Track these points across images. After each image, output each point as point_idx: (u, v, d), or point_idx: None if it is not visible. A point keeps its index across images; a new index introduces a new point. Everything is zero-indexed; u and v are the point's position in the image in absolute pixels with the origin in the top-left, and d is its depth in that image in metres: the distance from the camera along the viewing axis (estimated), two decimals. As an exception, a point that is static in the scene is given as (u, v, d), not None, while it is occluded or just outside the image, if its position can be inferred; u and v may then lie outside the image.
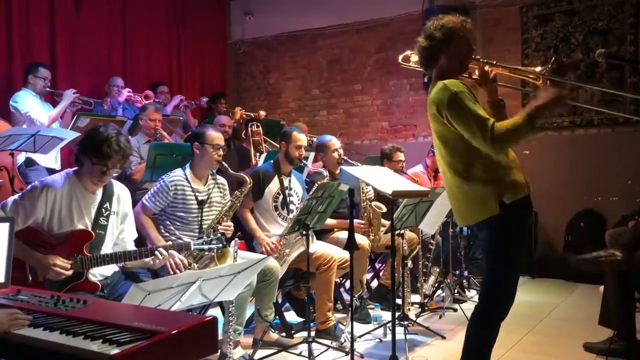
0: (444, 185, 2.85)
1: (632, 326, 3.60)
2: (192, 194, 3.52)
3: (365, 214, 4.62)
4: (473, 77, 2.80)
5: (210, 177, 3.66)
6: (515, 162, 2.71)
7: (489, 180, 2.59)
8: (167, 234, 3.49)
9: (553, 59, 2.77)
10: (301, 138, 4.16)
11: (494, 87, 2.80)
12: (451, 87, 2.57)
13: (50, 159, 5.00)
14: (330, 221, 4.44)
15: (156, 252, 2.83)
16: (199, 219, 3.52)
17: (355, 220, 4.52)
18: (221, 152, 3.61)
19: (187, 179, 3.53)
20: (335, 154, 4.63)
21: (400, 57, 3.02)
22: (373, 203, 4.58)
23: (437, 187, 4.87)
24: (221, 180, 3.75)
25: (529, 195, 2.68)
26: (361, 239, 4.35)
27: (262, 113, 6.51)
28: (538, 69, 2.72)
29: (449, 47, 2.68)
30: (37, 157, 4.77)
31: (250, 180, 3.70)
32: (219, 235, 3.12)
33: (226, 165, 3.63)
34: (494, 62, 2.78)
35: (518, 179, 2.64)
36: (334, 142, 4.71)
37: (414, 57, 2.93)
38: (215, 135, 3.60)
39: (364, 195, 4.62)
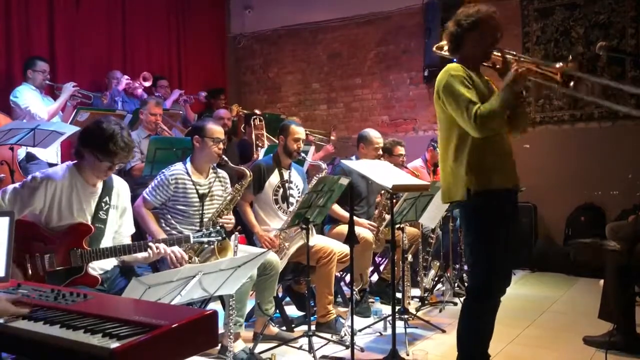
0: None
1: (632, 320, 3.60)
2: (193, 188, 3.51)
3: (383, 213, 4.63)
4: (497, 67, 2.87)
5: (211, 170, 3.66)
6: (505, 156, 2.76)
7: (467, 165, 2.69)
8: (167, 228, 3.49)
9: (571, 57, 2.75)
10: (299, 131, 4.15)
11: None
12: (449, 71, 2.72)
13: (51, 153, 5.00)
14: (341, 212, 4.46)
15: (150, 245, 2.82)
16: (200, 212, 3.52)
17: (366, 221, 4.55)
18: (222, 146, 3.60)
19: (187, 172, 3.53)
20: (376, 153, 4.69)
21: (435, 46, 3.11)
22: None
23: (437, 181, 4.87)
24: (222, 173, 3.75)
25: (510, 189, 2.74)
26: (365, 233, 4.36)
27: (257, 112, 6.52)
28: (559, 64, 2.70)
29: (473, 35, 2.78)
30: (38, 151, 4.77)
31: (250, 174, 3.70)
32: (218, 228, 3.12)
33: (226, 158, 3.63)
34: (517, 55, 2.81)
35: (498, 171, 2.70)
36: (379, 140, 4.77)
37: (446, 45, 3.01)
38: (216, 129, 3.60)
39: (386, 198, 4.65)
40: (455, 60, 2.87)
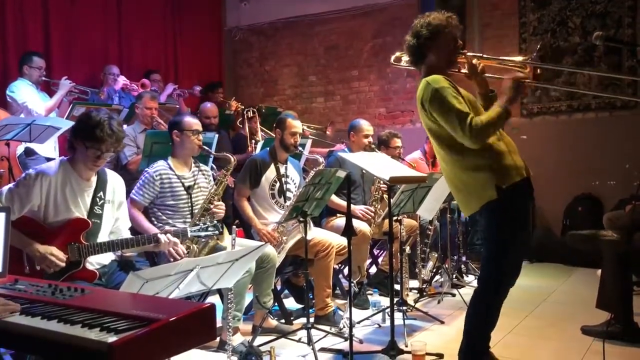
0: (444, 177, 2.90)
1: (630, 309, 3.62)
2: (179, 181, 3.54)
3: (374, 204, 4.65)
4: (462, 71, 2.86)
5: (193, 164, 3.69)
6: (510, 145, 2.76)
7: (484, 166, 2.65)
8: (160, 224, 3.48)
9: (539, 45, 2.80)
10: (296, 125, 4.15)
11: (483, 80, 2.86)
12: (433, 84, 2.65)
13: (49, 149, 4.98)
14: (339, 201, 4.47)
15: (160, 237, 2.86)
16: (189, 204, 3.55)
17: (363, 207, 4.56)
18: (201, 137, 3.65)
19: (170, 167, 3.55)
20: (365, 140, 4.74)
21: (392, 58, 3.11)
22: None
23: (435, 172, 4.88)
24: (204, 167, 3.80)
25: (527, 178, 2.74)
26: (362, 225, 4.37)
27: (258, 106, 6.52)
28: (520, 58, 2.76)
29: (435, 44, 2.77)
30: (36, 146, 4.76)
31: (234, 159, 3.71)
32: (215, 222, 3.14)
33: (207, 148, 3.68)
34: (481, 55, 2.84)
35: (513, 163, 2.69)
36: (369, 127, 4.83)
37: (405, 57, 3.00)
38: (193, 121, 3.65)
39: (378, 184, 4.69)
40: (420, 71, 2.84)
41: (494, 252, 2.75)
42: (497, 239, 2.73)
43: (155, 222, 3.51)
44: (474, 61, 2.80)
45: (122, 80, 5.98)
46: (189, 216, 3.53)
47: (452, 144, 2.69)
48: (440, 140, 2.75)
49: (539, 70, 2.72)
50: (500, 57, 2.87)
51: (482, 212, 2.71)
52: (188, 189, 3.55)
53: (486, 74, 2.87)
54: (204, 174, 3.72)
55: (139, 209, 3.48)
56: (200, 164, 3.79)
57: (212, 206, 3.49)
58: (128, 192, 3.23)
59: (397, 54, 3.03)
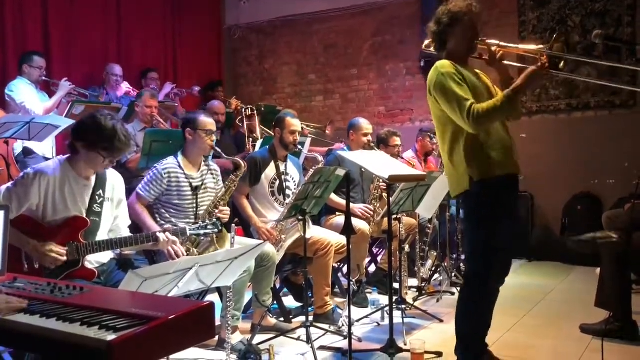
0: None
1: (628, 307, 3.62)
2: (186, 181, 3.51)
3: (373, 202, 4.65)
4: (484, 57, 2.91)
5: (202, 163, 3.66)
6: (501, 142, 2.79)
7: (465, 158, 2.74)
8: (162, 222, 3.47)
9: (555, 35, 2.78)
10: (295, 123, 4.15)
11: (503, 67, 2.90)
12: (440, 69, 2.74)
13: (47, 148, 4.97)
14: (338, 200, 4.48)
15: (159, 236, 2.85)
16: (194, 205, 3.52)
17: (361, 205, 4.56)
18: (214, 137, 3.60)
19: (180, 166, 3.53)
20: (365, 139, 4.77)
21: (424, 44, 3.14)
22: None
23: (433, 171, 4.89)
24: (213, 166, 3.76)
25: (511, 175, 2.79)
26: (361, 224, 4.37)
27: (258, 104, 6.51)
28: (540, 46, 2.78)
29: (455, 30, 2.82)
30: (35, 146, 4.75)
31: (245, 165, 3.69)
32: (214, 220, 3.13)
33: (219, 150, 3.62)
34: (498, 42, 2.87)
35: (493, 158, 2.73)
36: (368, 126, 4.87)
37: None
38: (208, 121, 3.59)
39: (377, 183, 4.70)
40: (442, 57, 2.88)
41: (469, 247, 2.85)
42: (470, 233, 2.84)
43: (159, 220, 3.50)
44: (493, 48, 2.84)
45: (125, 87, 5.96)
46: (193, 217, 3.51)
47: (448, 131, 2.78)
48: (441, 126, 2.84)
49: (561, 64, 2.72)
50: (517, 45, 2.93)
51: (461, 202, 2.86)
52: (195, 190, 3.52)
53: (507, 62, 2.91)
54: (212, 174, 3.69)
55: (144, 204, 3.47)
56: (210, 163, 3.75)
57: (217, 211, 3.48)
58: (127, 190, 3.22)
59: (428, 41, 3.06)
